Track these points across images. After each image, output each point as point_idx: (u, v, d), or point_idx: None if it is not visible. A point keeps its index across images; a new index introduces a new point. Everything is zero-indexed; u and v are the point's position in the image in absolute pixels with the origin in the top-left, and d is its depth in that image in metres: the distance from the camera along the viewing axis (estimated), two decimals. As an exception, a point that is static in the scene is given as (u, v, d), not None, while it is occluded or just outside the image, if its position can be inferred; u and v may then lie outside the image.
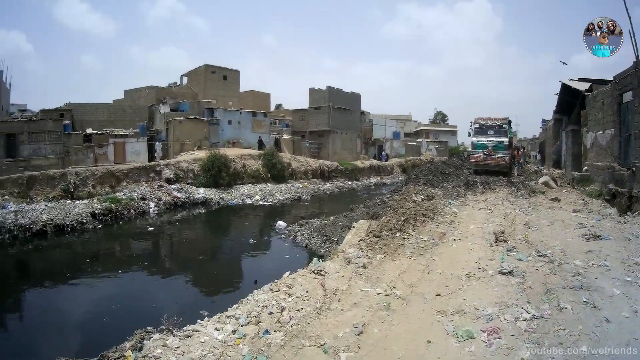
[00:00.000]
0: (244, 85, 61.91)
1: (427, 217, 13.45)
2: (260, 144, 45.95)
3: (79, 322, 11.92)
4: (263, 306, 7.17)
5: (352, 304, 7.23)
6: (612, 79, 17.89)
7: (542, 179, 22.96)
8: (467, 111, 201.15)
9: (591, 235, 10.88)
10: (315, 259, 10.03)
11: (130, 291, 14.68)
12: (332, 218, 22.25)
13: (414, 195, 18.01)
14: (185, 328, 6.81)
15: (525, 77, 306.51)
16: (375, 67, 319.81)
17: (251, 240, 21.24)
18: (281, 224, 22.96)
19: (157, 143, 41.09)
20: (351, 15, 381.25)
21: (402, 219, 12.44)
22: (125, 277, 15.99)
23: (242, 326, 6.48)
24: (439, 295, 7.52)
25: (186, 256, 20.13)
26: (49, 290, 14.85)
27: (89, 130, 39.12)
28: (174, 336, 6.42)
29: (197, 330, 6.49)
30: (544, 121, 48.68)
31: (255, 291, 8.31)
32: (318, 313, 6.90)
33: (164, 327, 6.86)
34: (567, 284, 7.59)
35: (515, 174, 30.73)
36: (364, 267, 9.12)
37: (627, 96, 15.92)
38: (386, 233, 11.25)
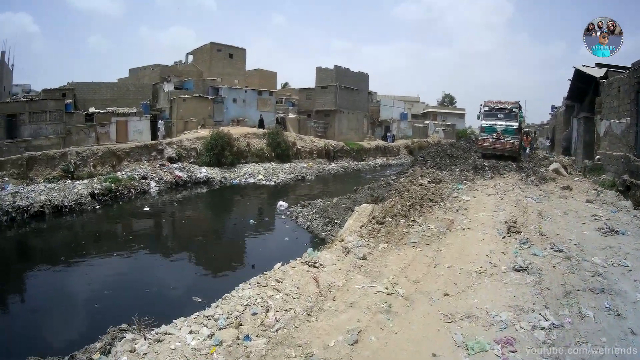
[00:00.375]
0: (252, 65, 61.07)
1: (434, 203, 12.64)
2: (261, 123, 44.75)
3: (67, 309, 11.27)
4: (247, 305, 6.34)
5: (347, 304, 6.41)
6: (630, 65, 16.98)
7: (552, 166, 21.97)
8: (475, 95, 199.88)
9: (608, 230, 10.16)
10: (309, 249, 9.09)
11: (124, 275, 14.08)
12: (335, 199, 21.66)
13: (420, 178, 17.19)
14: (157, 330, 6.06)
15: (535, 64, 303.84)
16: (384, 48, 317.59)
17: (252, 221, 20.58)
18: (282, 204, 22.42)
19: (160, 121, 40.39)
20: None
21: (408, 204, 11.59)
22: (120, 261, 15.34)
23: (220, 329, 5.67)
24: (447, 294, 6.74)
25: (184, 238, 19.38)
26: (41, 275, 14.12)
27: (92, 110, 38.62)
28: (144, 339, 5.62)
29: (170, 334, 5.69)
30: (553, 107, 47.24)
31: (241, 285, 7.50)
32: (308, 315, 6.08)
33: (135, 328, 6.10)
34: (587, 285, 6.90)
35: (525, 160, 29.62)
36: (364, 258, 8.28)
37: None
38: (390, 219, 10.40)
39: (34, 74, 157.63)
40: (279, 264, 8.46)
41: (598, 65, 20.80)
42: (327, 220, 18.06)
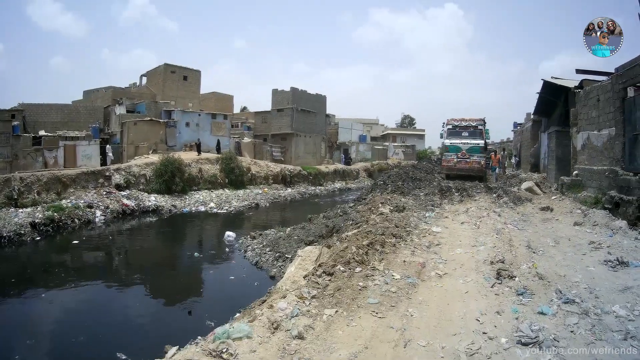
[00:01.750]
0: (212, 88, 58.34)
1: (399, 239, 10.08)
2: (219, 148, 41.81)
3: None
4: None
5: None
6: (613, 71, 15.53)
7: (525, 185, 20.01)
8: (436, 115, 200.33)
9: (617, 262, 7.94)
10: (218, 330, 5.81)
11: (42, 318, 12.01)
12: (288, 229, 19.18)
13: (380, 205, 14.74)
14: None
15: (494, 83, 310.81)
16: (345, 71, 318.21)
17: (196, 254, 18.25)
18: (230, 234, 20.07)
19: (108, 146, 37.68)
20: (323, 19, 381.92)
21: (365, 244, 8.97)
22: (40, 301, 13.04)
23: None
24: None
25: (119, 275, 16.65)
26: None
27: (42, 133, 36.17)
28: None
29: None
30: (515, 124, 46.21)
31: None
32: None
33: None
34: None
35: (494, 180, 27.54)
36: (300, 337, 5.38)
37: (633, 90, 13.93)
38: (341, 268, 7.63)
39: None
40: (173, 350, 5.62)
41: (578, 71, 19.63)
42: (277, 254, 15.67)
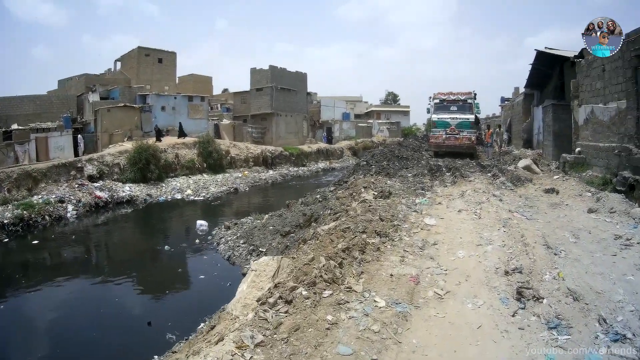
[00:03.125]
0: (194, 71, 55.44)
1: (384, 237, 7.97)
2: (181, 130, 38.43)
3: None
4: None
5: None
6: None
7: (522, 163, 17.93)
8: (420, 91, 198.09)
9: None
10: None
11: None
12: (265, 217, 17.66)
13: (363, 190, 12.69)
14: None
15: (480, 58, 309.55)
16: (328, 49, 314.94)
17: (167, 248, 16.39)
18: (202, 224, 18.42)
19: (79, 136, 34.74)
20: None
21: (340, 248, 6.83)
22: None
23: None
24: None
25: (75, 278, 14.38)
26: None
27: (14, 126, 33.43)
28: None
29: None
30: (503, 99, 44.03)
31: None
32: None
33: None
34: None
35: (488, 157, 25.39)
36: None
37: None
38: (304, 293, 5.28)
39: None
40: None
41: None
42: (251, 247, 14.13)
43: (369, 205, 10.21)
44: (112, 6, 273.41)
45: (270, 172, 39.30)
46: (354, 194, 12.88)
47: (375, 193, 12.27)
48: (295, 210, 16.63)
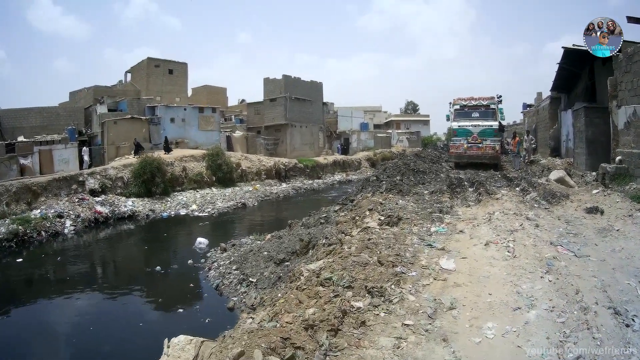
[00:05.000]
0: (212, 82, 54.22)
1: (377, 297, 5.65)
2: (166, 145, 35.09)
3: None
4: None
5: None
6: None
7: (554, 175, 15.66)
8: (440, 100, 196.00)
9: None
10: None
11: None
12: (268, 236, 15.76)
13: (367, 213, 10.56)
14: None
15: (500, 66, 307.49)
16: (349, 61, 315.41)
17: (158, 269, 14.84)
18: (202, 241, 17.27)
19: (84, 148, 33.57)
20: (326, 10, 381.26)
21: (307, 320, 4.73)
22: None
23: None
24: None
25: (49, 305, 13.03)
26: None
27: (20, 138, 32.77)
28: None
29: None
30: (525, 105, 41.57)
31: None
32: None
33: None
34: None
35: (514, 168, 23.03)
36: None
37: None
38: None
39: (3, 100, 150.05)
40: None
41: (630, 19, 16.40)
42: (242, 276, 12.40)
43: (369, 239, 8.07)
44: (134, 19, 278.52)
45: (283, 185, 37.48)
46: (357, 217, 10.83)
47: (382, 218, 10.16)
48: (294, 232, 14.66)
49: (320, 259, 7.84)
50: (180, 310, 11.48)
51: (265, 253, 13.22)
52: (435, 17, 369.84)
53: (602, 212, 10.29)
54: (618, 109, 14.61)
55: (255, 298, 10.31)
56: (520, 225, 9.31)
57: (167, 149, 34.09)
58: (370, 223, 9.56)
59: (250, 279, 11.77)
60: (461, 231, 9.31)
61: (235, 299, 11.10)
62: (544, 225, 9.43)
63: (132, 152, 33.42)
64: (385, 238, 8.24)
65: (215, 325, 9.11)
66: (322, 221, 14.42)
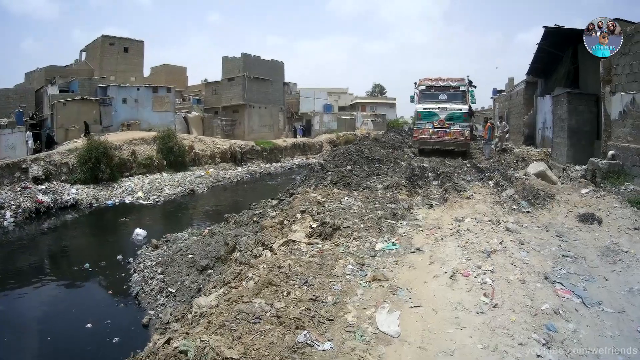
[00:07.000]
0: (176, 62, 52.07)
1: None
2: (86, 129, 32.57)
3: None
4: None
5: None
6: None
7: (533, 168, 13.89)
8: (409, 85, 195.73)
9: None
10: None
11: None
12: (205, 231, 13.86)
13: (299, 216, 9.06)
14: None
15: (471, 54, 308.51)
16: (320, 43, 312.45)
17: (87, 266, 13.46)
18: (139, 232, 16.22)
19: (27, 133, 31.10)
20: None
21: None
22: None
23: None
24: None
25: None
26: None
27: None
28: None
29: None
30: (495, 91, 40.26)
31: None
32: None
33: None
34: None
35: (485, 157, 21.20)
36: None
37: None
38: None
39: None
40: None
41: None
42: (163, 284, 10.86)
43: (280, 266, 5.75)
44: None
45: (239, 169, 35.50)
46: (285, 222, 8.57)
47: (314, 225, 7.74)
48: (225, 232, 12.26)
49: (222, 288, 6.57)
50: (89, 325, 9.68)
51: (190, 256, 11.39)
52: (408, 3, 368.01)
53: (599, 222, 8.10)
54: (612, 95, 13.19)
55: (170, 314, 9.04)
56: (500, 244, 6.81)
57: (87, 133, 31.56)
58: (296, 234, 7.30)
59: (170, 289, 10.32)
60: (418, 249, 6.94)
61: (152, 312, 9.75)
62: (531, 241, 7.05)
63: (82, 134, 31.30)
64: (306, 263, 5.93)
65: (125, 347, 7.80)
66: (255, 219, 11.96)
